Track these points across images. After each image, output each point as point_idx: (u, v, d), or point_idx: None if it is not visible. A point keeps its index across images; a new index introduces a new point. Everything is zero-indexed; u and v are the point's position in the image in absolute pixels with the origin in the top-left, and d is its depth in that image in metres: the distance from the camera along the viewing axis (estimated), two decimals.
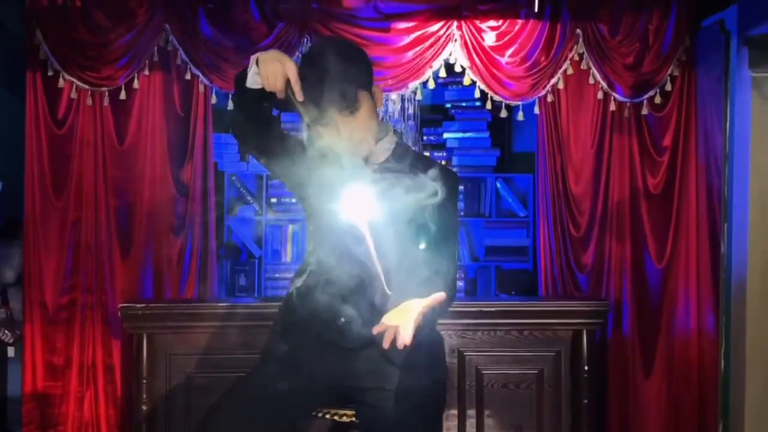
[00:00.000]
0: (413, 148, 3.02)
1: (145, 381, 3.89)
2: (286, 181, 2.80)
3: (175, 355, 3.98)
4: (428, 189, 2.53)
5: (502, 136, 6.25)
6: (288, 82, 2.45)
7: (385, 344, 2.33)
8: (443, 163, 5.58)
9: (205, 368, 3.97)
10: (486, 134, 6.10)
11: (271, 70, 2.45)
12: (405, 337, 2.28)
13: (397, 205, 2.52)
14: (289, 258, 6.08)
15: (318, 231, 2.69)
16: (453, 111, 6.20)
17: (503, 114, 4.80)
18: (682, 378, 4.68)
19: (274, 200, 6.15)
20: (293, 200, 6.06)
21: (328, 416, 2.76)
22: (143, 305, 4.00)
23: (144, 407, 3.89)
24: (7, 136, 5.08)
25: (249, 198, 6.16)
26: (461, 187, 6.00)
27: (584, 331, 4.10)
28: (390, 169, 2.61)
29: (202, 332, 3.98)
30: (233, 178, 6.16)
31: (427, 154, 5.93)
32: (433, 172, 2.55)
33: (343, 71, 2.46)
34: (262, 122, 2.61)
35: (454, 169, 5.71)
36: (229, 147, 6.02)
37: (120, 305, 4.04)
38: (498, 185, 6.13)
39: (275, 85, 2.45)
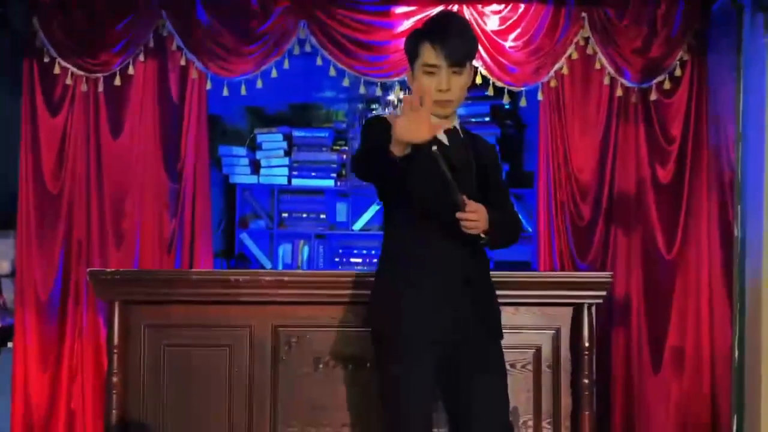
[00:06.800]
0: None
1: (116, 351, 3.70)
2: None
3: (151, 326, 3.78)
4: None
5: (512, 153, 6.09)
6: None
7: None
8: None
9: (182, 340, 3.78)
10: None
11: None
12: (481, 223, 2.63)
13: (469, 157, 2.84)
14: None
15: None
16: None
17: (505, 99, 4.66)
18: (693, 372, 4.48)
19: (285, 215, 6.05)
20: (304, 215, 5.99)
21: None
22: (113, 270, 3.86)
23: (114, 378, 3.69)
24: (1, 126, 5.07)
25: (260, 212, 6.08)
26: None
27: (585, 306, 3.80)
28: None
29: (177, 303, 3.78)
30: (246, 192, 6.09)
31: None
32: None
33: (472, 37, 2.84)
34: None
35: None
36: (241, 159, 5.96)
37: (88, 269, 3.88)
38: None
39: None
